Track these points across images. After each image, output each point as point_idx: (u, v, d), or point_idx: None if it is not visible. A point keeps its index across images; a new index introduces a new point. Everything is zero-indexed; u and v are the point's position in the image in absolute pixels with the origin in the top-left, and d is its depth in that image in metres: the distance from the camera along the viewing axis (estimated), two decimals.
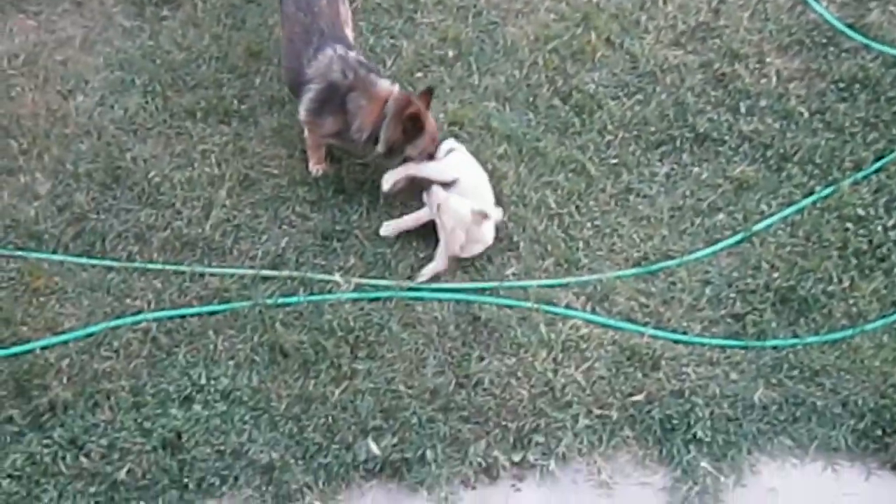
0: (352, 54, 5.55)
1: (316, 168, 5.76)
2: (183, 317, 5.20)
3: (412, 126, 5.40)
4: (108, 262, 5.41)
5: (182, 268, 5.38)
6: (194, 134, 5.94)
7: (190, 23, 6.50)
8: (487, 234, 5.43)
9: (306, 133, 5.73)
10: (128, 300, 5.26)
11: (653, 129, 6.03)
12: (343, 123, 5.49)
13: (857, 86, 6.24)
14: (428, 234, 5.48)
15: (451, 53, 6.35)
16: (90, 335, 5.12)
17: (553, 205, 5.65)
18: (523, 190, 5.71)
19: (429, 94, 5.53)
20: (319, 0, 5.66)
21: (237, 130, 5.97)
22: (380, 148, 5.49)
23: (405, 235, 5.51)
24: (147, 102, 6.10)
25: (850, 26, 6.53)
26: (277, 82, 6.15)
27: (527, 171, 5.79)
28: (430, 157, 5.57)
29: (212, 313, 5.22)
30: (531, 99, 6.14)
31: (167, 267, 5.38)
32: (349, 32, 5.89)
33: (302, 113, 5.59)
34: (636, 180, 5.82)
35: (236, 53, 6.31)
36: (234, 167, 5.79)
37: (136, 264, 5.40)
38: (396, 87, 5.54)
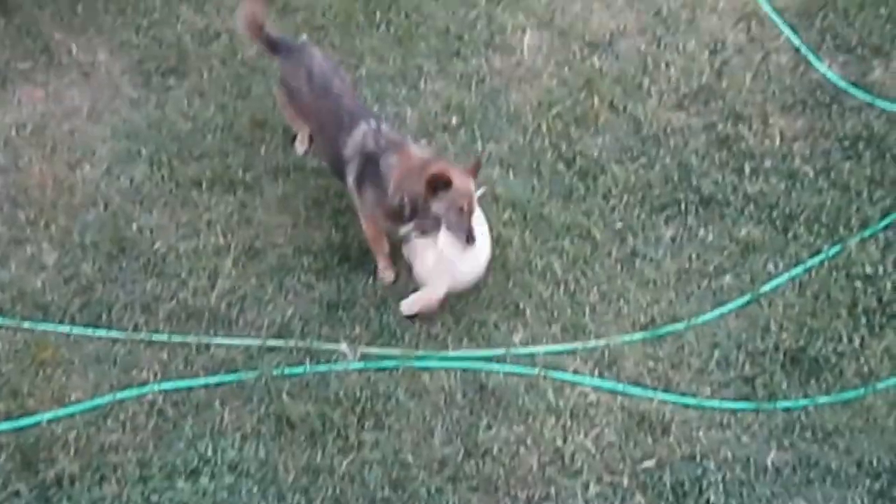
0: (384, 126, 5.55)
1: (387, 272, 5.62)
2: (189, 388, 5.19)
3: (434, 183, 5.22)
4: (114, 333, 5.41)
5: (188, 338, 5.38)
6: (200, 204, 5.96)
7: (196, 92, 6.54)
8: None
9: (364, 227, 5.64)
10: (134, 371, 5.25)
11: (657, 192, 6.03)
12: (381, 192, 5.39)
13: (862, 144, 6.25)
14: None
15: (454, 121, 6.37)
16: (97, 407, 5.10)
17: (559, 270, 5.64)
18: (529, 256, 5.70)
19: (477, 163, 5.46)
20: (333, 80, 5.70)
21: (242, 200, 5.98)
22: (406, 209, 5.36)
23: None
24: (153, 172, 6.13)
25: (853, 84, 6.55)
26: (282, 151, 6.17)
27: (532, 236, 5.79)
28: (463, 215, 5.29)
29: (218, 384, 5.20)
30: (535, 165, 6.15)
31: (173, 338, 5.38)
32: None
33: (353, 197, 5.55)
34: (642, 244, 5.82)
35: (241, 123, 6.34)
36: (239, 237, 5.80)
37: (142, 335, 5.40)
38: (430, 151, 5.56)
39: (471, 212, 5.31)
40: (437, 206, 5.26)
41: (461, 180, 5.27)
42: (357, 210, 5.62)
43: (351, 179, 5.51)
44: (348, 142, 5.48)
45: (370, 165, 5.42)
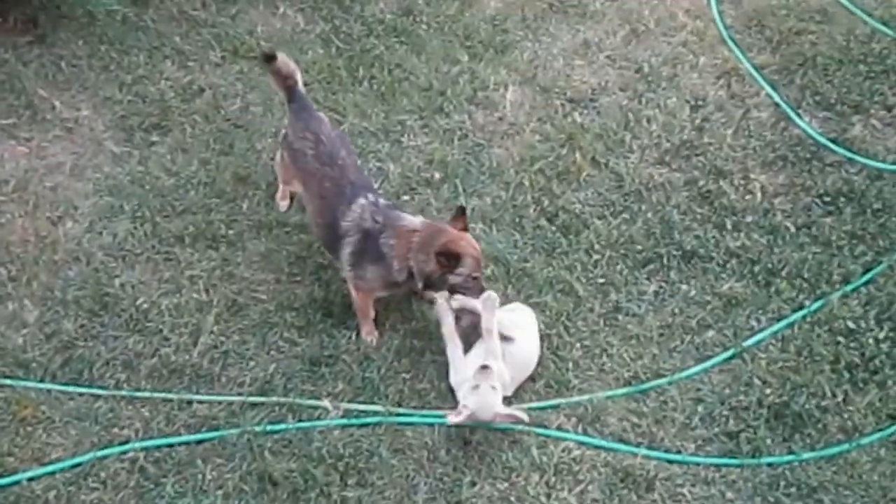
0: (381, 200, 5.54)
1: (370, 337, 5.61)
2: (171, 445, 5.16)
3: (447, 259, 5.22)
4: (95, 390, 5.37)
5: (170, 395, 5.34)
6: (182, 259, 5.94)
7: (178, 148, 6.53)
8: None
9: (353, 294, 5.61)
10: (115, 429, 5.21)
11: (640, 247, 6.03)
12: (384, 269, 5.39)
13: (843, 199, 6.28)
14: (416, 357, 5.51)
15: (437, 176, 6.37)
16: (77, 465, 5.06)
17: (542, 326, 5.61)
18: None
19: (462, 214, 5.41)
20: (340, 152, 5.67)
21: (225, 255, 5.96)
22: (418, 283, 5.39)
23: (394, 358, 5.50)
24: (136, 228, 6.10)
25: (833, 140, 6.60)
26: (265, 207, 6.16)
27: (514, 292, 5.78)
28: (476, 279, 5.33)
29: (200, 441, 5.17)
30: (518, 220, 6.15)
31: (155, 394, 5.35)
32: None
33: (346, 269, 5.52)
34: (624, 299, 5.82)
35: (224, 178, 6.32)
36: (221, 293, 5.78)
37: (124, 392, 5.36)
38: (421, 219, 5.49)
39: (480, 269, 5.34)
40: (455, 279, 5.28)
41: (466, 247, 5.27)
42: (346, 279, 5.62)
43: (346, 253, 5.47)
44: (347, 214, 5.45)
45: (369, 242, 5.39)
